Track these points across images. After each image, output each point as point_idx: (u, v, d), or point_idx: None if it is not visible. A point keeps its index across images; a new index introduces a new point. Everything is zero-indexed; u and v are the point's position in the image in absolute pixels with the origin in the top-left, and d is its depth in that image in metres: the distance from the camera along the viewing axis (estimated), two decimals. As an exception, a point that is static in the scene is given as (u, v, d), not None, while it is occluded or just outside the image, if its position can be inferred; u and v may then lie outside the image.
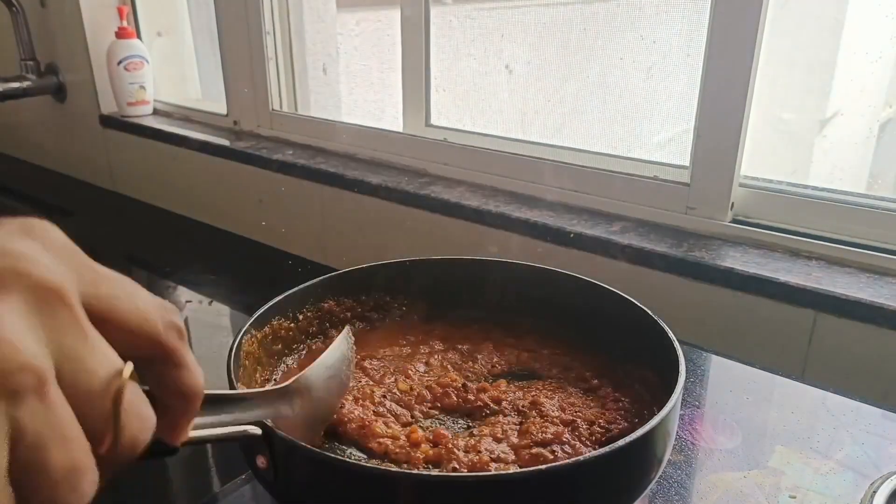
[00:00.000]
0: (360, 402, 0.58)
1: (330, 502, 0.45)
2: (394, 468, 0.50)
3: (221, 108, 1.52)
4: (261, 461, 0.46)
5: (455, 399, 0.59)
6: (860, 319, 0.76)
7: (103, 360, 0.27)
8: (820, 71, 0.95)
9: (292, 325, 0.66)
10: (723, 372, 0.77)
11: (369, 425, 0.55)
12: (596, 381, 0.63)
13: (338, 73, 1.48)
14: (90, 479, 0.25)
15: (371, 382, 0.62)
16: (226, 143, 1.43)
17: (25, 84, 1.71)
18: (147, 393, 0.29)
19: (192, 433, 0.35)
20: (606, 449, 0.44)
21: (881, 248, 0.83)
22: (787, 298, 0.80)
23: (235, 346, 0.56)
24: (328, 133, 1.35)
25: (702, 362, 0.78)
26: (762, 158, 0.93)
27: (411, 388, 0.61)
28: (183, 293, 1.20)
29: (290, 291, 0.66)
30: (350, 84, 1.49)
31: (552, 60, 1.10)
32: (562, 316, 0.68)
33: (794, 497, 0.56)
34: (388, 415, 0.57)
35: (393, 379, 0.62)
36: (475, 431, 0.56)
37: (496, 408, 0.59)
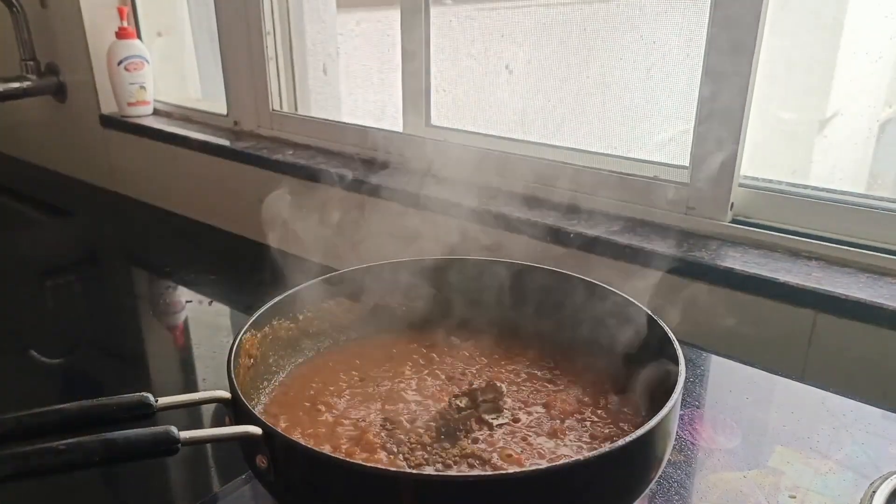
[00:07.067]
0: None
1: (330, 502, 0.45)
2: (394, 468, 0.50)
3: (221, 108, 1.52)
4: (261, 461, 0.46)
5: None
6: (860, 319, 0.76)
7: None
8: (820, 71, 0.94)
9: (292, 325, 0.66)
10: (723, 372, 0.77)
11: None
12: (595, 380, 0.63)
13: (338, 73, 1.48)
14: None
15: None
16: (226, 143, 1.43)
17: (26, 84, 1.71)
18: None
19: (193, 433, 0.35)
20: (606, 449, 0.44)
21: (881, 248, 0.82)
22: (787, 298, 0.80)
23: (235, 346, 0.56)
24: (328, 133, 1.35)
25: (702, 362, 0.78)
26: (762, 158, 0.93)
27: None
28: (183, 293, 1.20)
29: (290, 291, 0.66)
30: (350, 84, 1.49)
31: (552, 60, 1.10)
32: (562, 316, 0.68)
33: (794, 497, 0.56)
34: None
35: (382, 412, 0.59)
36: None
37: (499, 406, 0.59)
